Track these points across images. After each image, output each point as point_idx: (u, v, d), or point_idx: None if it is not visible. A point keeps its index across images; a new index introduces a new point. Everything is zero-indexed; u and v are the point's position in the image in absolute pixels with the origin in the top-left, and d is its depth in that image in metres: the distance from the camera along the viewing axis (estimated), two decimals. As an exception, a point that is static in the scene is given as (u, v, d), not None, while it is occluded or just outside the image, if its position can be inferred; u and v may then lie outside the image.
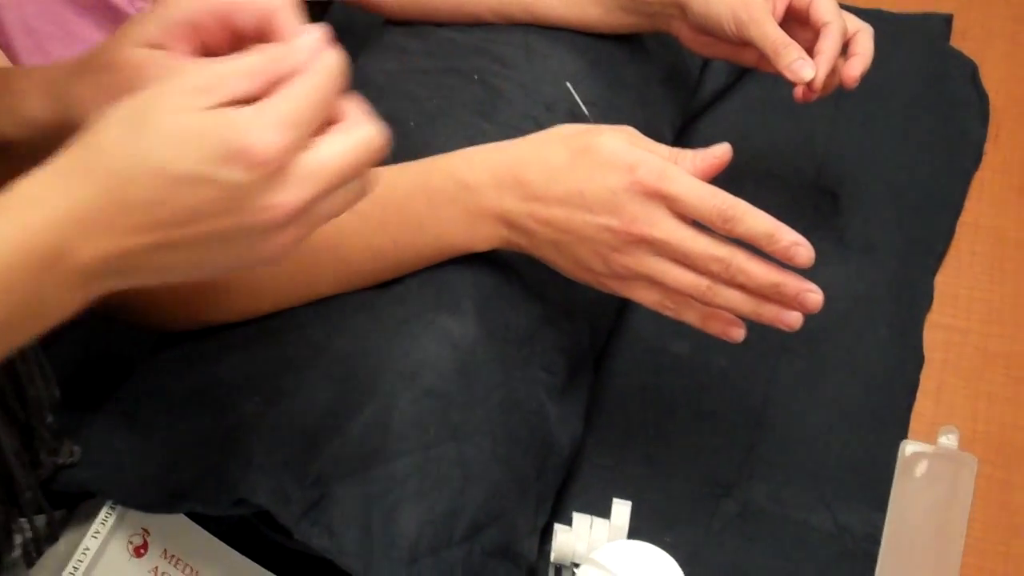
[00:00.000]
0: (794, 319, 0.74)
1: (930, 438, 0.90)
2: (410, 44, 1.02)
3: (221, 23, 0.60)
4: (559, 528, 0.78)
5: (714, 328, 0.76)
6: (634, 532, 0.77)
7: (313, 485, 0.70)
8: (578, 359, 0.87)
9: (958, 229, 1.06)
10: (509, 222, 0.77)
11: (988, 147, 1.14)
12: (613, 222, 0.73)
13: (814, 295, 0.73)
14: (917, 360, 0.96)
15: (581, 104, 0.80)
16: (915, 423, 0.92)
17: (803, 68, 0.90)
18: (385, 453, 0.71)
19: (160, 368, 0.81)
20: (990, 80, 1.19)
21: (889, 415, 0.92)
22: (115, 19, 0.88)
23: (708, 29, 0.95)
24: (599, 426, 0.91)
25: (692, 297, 0.74)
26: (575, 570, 0.78)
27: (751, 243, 0.72)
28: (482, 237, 0.78)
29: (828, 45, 0.91)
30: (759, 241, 0.72)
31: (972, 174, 1.11)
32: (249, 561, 0.75)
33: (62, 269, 0.52)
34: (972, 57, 1.21)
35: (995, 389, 0.94)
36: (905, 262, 1.03)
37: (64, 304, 0.54)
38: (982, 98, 1.18)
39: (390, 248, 0.78)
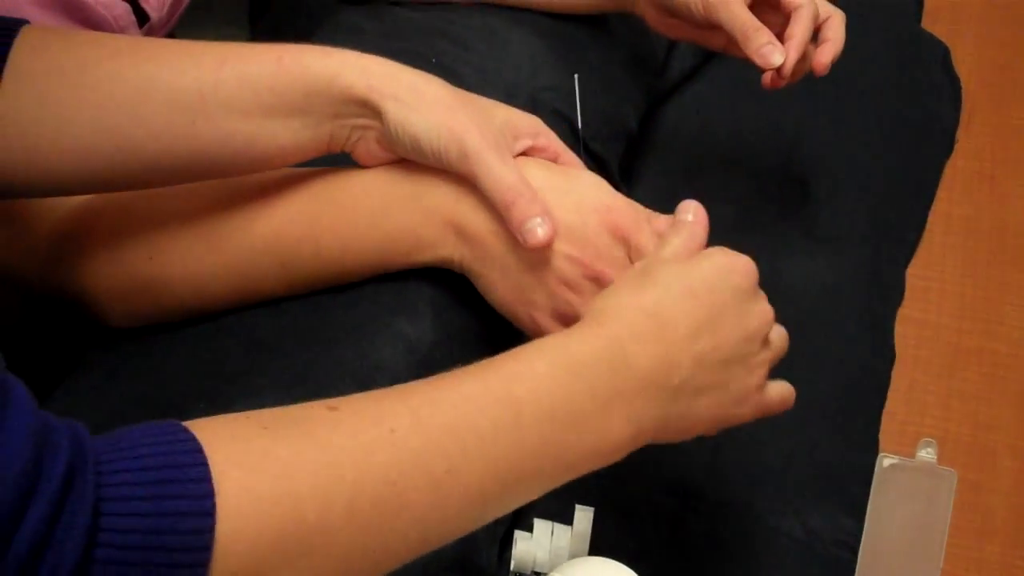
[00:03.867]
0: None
1: (902, 439, 0.88)
2: (366, 24, 0.99)
3: None
4: (519, 535, 0.76)
5: None
6: (597, 539, 0.75)
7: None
8: (539, 358, 0.84)
9: (929, 219, 1.04)
10: (461, 230, 0.73)
11: (960, 133, 1.11)
12: (576, 252, 0.71)
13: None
14: (888, 357, 0.93)
15: (579, 108, 0.76)
16: (886, 422, 0.90)
17: (772, 53, 0.87)
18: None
19: (102, 367, 0.78)
20: (962, 64, 1.17)
21: (859, 415, 0.90)
22: (67, 8, 0.83)
23: (675, 11, 0.92)
24: (561, 426, 0.88)
25: None
26: (536, 582, 0.75)
27: None
28: (429, 242, 0.74)
29: (799, 30, 0.89)
30: None
31: (944, 161, 1.09)
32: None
33: (624, 376, 0.61)
34: (943, 40, 1.19)
35: (967, 387, 0.92)
36: (875, 253, 1.01)
37: (615, 426, 0.61)
38: (954, 83, 1.15)
39: (336, 250, 0.75)
